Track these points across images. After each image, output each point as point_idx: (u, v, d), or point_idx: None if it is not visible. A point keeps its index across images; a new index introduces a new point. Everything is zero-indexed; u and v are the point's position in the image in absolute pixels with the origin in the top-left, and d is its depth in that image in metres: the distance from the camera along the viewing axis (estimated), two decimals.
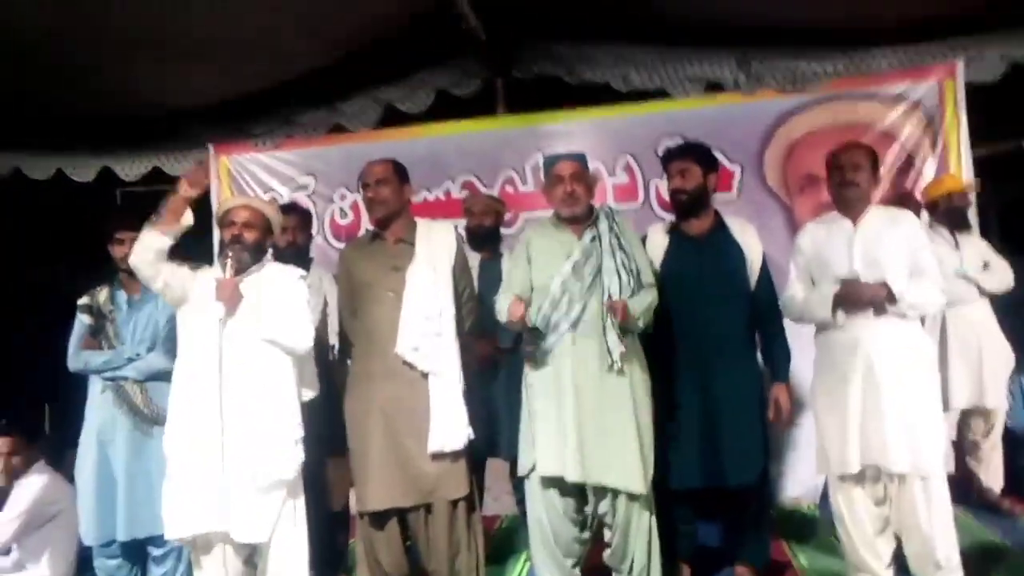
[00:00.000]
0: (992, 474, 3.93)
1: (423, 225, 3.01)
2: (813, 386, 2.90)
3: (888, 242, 2.74)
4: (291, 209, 3.49)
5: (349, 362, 3.03)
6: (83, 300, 3.20)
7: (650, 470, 2.75)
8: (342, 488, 3.17)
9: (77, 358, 3.15)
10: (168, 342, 3.01)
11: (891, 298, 2.66)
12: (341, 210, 4.77)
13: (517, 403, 2.94)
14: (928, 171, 4.18)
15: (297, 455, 2.66)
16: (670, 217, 3.32)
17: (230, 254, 2.65)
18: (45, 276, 5.67)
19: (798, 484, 4.16)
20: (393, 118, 4.86)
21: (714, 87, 4.52)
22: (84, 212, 4.57)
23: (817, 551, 3.47)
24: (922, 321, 2.86)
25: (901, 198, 3.97)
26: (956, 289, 3.58)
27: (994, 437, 3.93)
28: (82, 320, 3.18)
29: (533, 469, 2.81)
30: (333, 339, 3.26)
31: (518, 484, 3.17)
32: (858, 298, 2.70)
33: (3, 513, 3.43)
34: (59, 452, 3.73)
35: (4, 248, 5.47)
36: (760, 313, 2.99)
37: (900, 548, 2.78)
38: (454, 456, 2.78)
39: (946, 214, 3.89)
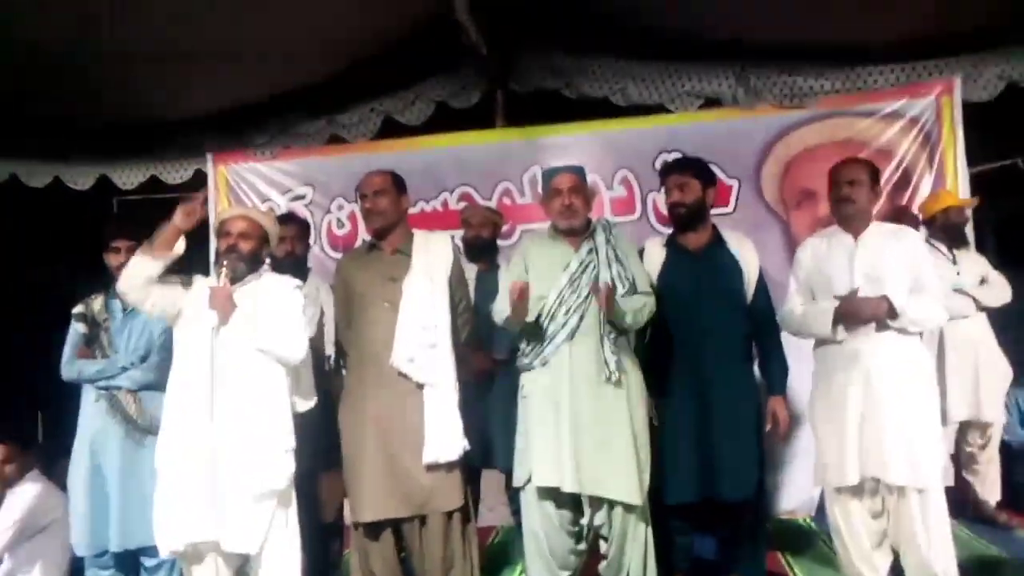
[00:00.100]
0: (988, 487, 3.94)
1: (420, 236, 3.01)
2: (812, 399, 2.91)
3: (889, 257, 2.75)
4: (289, 219, 3.49)
5: (344, 372, 3.02)
6: (78, 309, 3.19)
7: (646, 481, 2.74)
8: (334, 498, 3.16)
9: (71, 367, 3.14)
10: (162, 351, 3.01)
11: (892, 313, 2.67)
12: (338, 220, 4.77)
13: (513, 414, 2.94)
14: (925, 187, 4.21)
15: (288, 464, 2.65)
16: (667, 231, 3.33)
17: (225, 263, 2.65)
18: (40, 283, 5.65)
19: (794, 496, 4.16)
20: (391, 129, 4.88)
21: (712, 102, 4.54)
22: (81, 220, 4.56)
23: (813, 563, 3.47)
24: (920, 335, 2.86)
25: (898, 213, 3.99)
26: (953, 304, 3.59)
27: (991, 450, 3.94)
28: (76, 329, 3.17)
29: (529, 480, 2.80)
30: (329, 349, 3.25)
31: (514, 495, 3.15)
32: (859, 313, 2.70)
33: None
34: (52, 461, 3.70)
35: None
36: (757, 326, 2.99)
37: (897, 561, 2.78)
38: (449, 467, 2.77)
39: (943, 229, 3.92)
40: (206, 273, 2.85)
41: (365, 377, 2.85)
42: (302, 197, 4.80)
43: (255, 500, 2.57)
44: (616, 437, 2.71)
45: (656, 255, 3.05)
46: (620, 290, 2.78)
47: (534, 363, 2.82)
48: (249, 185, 4.87)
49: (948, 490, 2.78)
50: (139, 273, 2.63)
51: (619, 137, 4.54)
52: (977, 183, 4.25)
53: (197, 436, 2.55)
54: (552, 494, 2.77)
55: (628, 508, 2.73)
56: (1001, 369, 3.92)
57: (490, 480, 3.67)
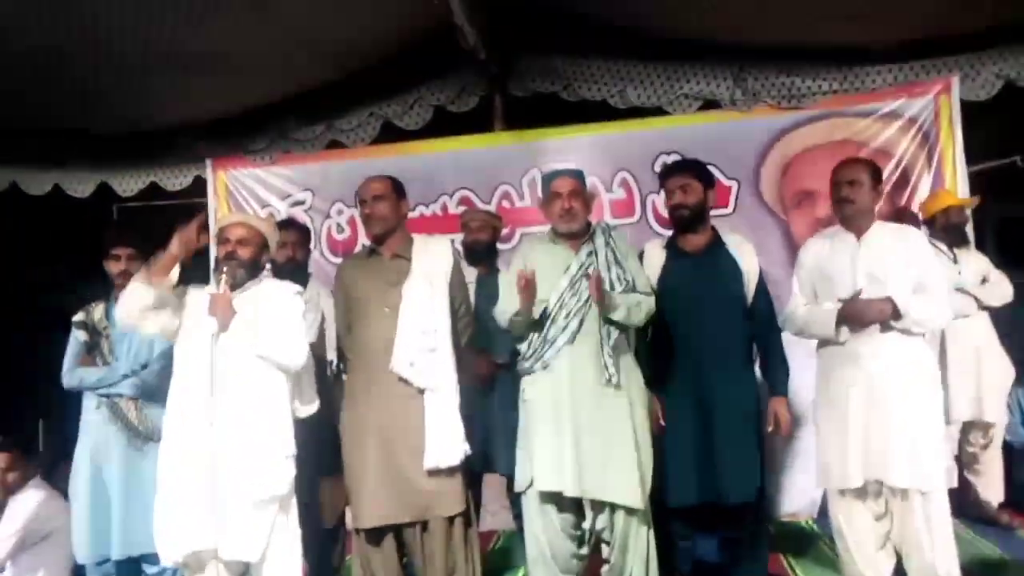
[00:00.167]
0: (991, 487, 3.94)
1: (420, 240, 3.01)
2: (815, 400, 2.90)
3: (893, 257, 2.74)
4: (290, 225, 3.49)
5: (345, 377, 3.02)
6: (78, 316, 3.19)
7: (648, 484, 2.74)
8: (335, 504, 3.16)
9: (72, 375, 3.14)
10: (163, 358, 3.01)
11: (896, 314, 2.65)
12: (338, 225, 4.77)
13: (514, 418, 2.94)
14: (924, 187, 4.21)
15: (289, 470, 2.65)
16: (667, 233, 3.33)
17: (224, 270, 2.65)
18: (41, 291, 5.66)
19: (796, 498, 4.16)
20: (390, 134, 4.88)
21: (711, 104, 4.54)
22: (81, 227, 4.57)
23: (815, 566, 3.47)
24: (923, 336, 2.86)
25: (898, 214, 3.99)
26: (955, 303, 3.59)
27: (992, 450, 3.94)
28: (77, 337, 3.17)
29: (531, 484, 2.80)
30: (331, 354, 3.25)
31: (515, 499, 3.15)
32: (863, 315, 2.69)
33: None
34: (53, 468, 3.70)
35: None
36: (758, 328, 2.99)
37: (900, 563, 2.77)
38: (450, 472, 2.77)
39: (944, 229, 3.92)
40: (207, 280, 2.84)
41: (366, 382, 2.85)
42: (302, 202, 4.81)
43: (256, 507, 2.56)
44: (617, 440, 2.71)
45: (656, 257, 3.05)
46: (618, 289, 2.78)
47: (535, 367, 2.82)
48: (249, 191, 4.88)
49: (950, 490, 2.78)
50: (136, 302, 2.62)
51: (618, 140, 4.54)
52: (976, 182, 4.25)
53: (198, 443, 2.55)
54: (554, 498, 2.76)
55: (630, 512, 2.72)
56: (1003, 369, 3.92)
57: (492, 484, 3.67)
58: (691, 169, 3.07)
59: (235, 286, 2.66)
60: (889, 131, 4.24)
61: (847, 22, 4.09)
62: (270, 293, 2.76)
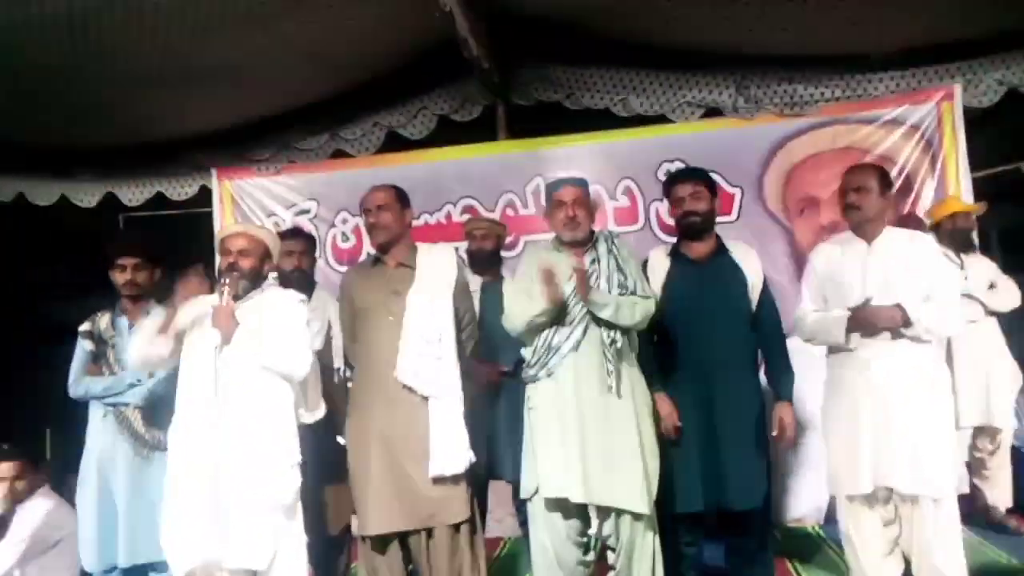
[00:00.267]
0: (999, 493, 3.93)
1: (424, 249, 3.02)
2: (825, 406, 2.89)
3: (903, 264, 2.73)
4: (295, 234, 3.51)
5: (350, 385, 3.03)
6: (84, 326, 3.20)
7: (654, 490, 2.74)
8: (341, 512, 3.16)
9: (78, 384, 3.15)
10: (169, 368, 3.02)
11: (906, 322, 2.64)
12: (343, 234, 4.79)
13: (519, 425, 2.94)
14: (927, 193, 4.22)
15: (295, 479, 2.66)
16: (670, 240, 3.34)
17: (227, 281, 2.66)
18: (47, 300, 5.68)
19: (802, 504, 4.16)
20: (395, 143, 4.90)
21: (713, 112, 4.56)
22: (86, 237, 4.59)
23: (821, 571, 3.47)
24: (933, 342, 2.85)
25: (903, 220, 3.99)
26: (962, 309, 3.60)
27: (1001, 455, 3.93)
28: (83, 346, 3.18)
29: (536, 491, 2.80)
30: (337, 362, 3.26)
31: (521, 506, 3.15)
32: (873, 322, 2.68)
33: (6, 538, 3.40)
34: (59, 478, 3.71)
35: (5, 272, 5.49)
36: (763, 334, 2.99)
37: (908, 570, 2.76)
38: (455, 480, 2.78)
39: (951, 235, 3.91)
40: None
41: (371, 390, 2.86)
42: (307, 211, 4.83)
43: (262, 515, 2.57)
44: (622, 446, 2.71)
45: (661, 265, 3.06)
46: (615, 294, 2.79)
47: (539, 374, 2.82)
48: (254, 200, 4.90)
49: (959, 496, 2.77)
50: (149, 356, 2.71)
51: (621, 148, 4.55)
52: (979, 188, 4.26)
53: (204, 453, 2.57)
54: (560, 505, 2.76)
55: (636, 517, 2.72)
56: (1012, 374, 3.92)
57: (498, 491, 3.67)
58: (701, 176, 3.08)
59: (237, 297, 2.67)
60: (892, 138, 4.25)
61: (849, 29, 4.11)
62: (274, 302, 2.77)
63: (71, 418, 3.31)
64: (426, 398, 2.79)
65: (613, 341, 2.77)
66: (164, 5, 3.60)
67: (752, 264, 3.02)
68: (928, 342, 2.72)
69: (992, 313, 3.88)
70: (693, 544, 3.00)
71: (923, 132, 4.22)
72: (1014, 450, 4.00)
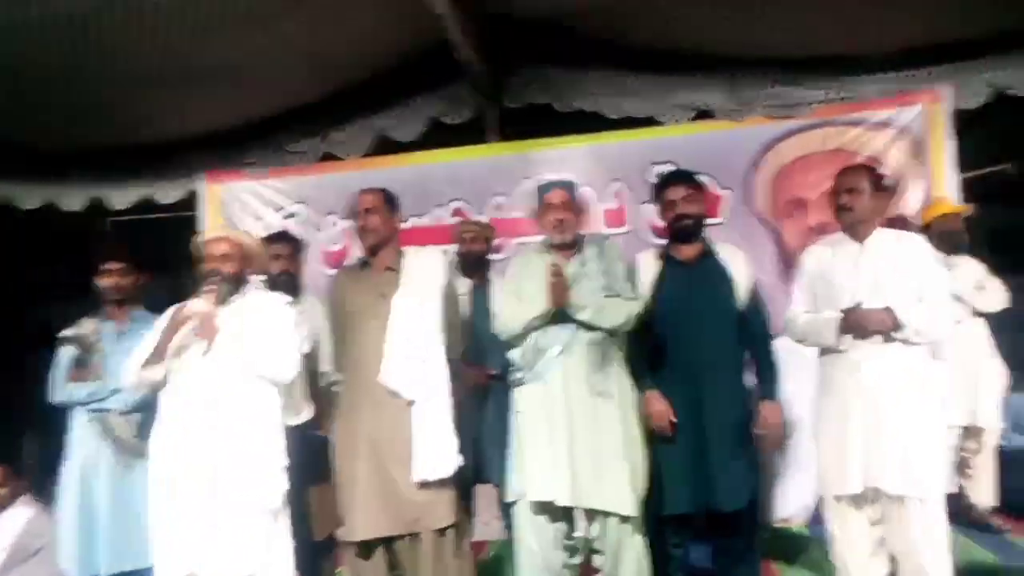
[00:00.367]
0: (983, 492, 3.95)
1: (412, 252, 3.01)
2: (815, 407, 2.89)
3: (895, 265, 2.73)
4: (283, 237, 3.49)
5: (336, 389, 3.01)
6: (67, 332, 3.17)
7: (640, 492, 2.74)
8: (328, 516, 3.14)
9: (62, 390, 3.12)
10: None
11: (897, 325, 2.64)
12: (331, 237, 4.77)
13: (506, 429, 2.93)
14: (916, 195, 4.22)
15: (282, 483, 2.64)
16: (659, 242, 3.34)
17: (209, 287, 2.63)
18: (29, 304, 5.64)
19: (789, 504, 4.17)
20: (385, 146, 4.89)
21: (704, 114, 4.56)
22: (72, 241, 4.56)
23: (808, 572, 3.49)
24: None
25: (894, 222, 3.99)
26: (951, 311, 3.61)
27: (985, 455, 3.95)
28: (66, 352, 3.15)
29: (522, 495, 2.79)
30: (325, 366, 3.24)
31: (507, 510, 3.14)
32: (864, 326, 2.68)
33: None
34: (40, 485, 3.68)
35: None
36: (751, 334, 2.99)
37: (894, 569, 2.76)
38: (441, 484, 2.76)
39: (940, 237, 3.92)
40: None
41: (357, 394, 2.84)
42: (295, 215, 4.80)
43: (249, 520, 2.56)
44: (609, 449, 2.71)
45: (651, 267, 3.06)
46: (600, 294, 2.78)
47: (527, 378, 2.82)
48: (242, 204, 4.88)
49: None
50: (143, 380, 2.66)
51: (611, 150, 4.56)
52: (968, 189, 4.27)
53: (191, 460, 2.55)
54: (546, 508, 2.76)
55: (623, 519, 2.72)
56: (998, 374, 3.94)
57: (484, 495, 3.66)
58: (692, 179, 3.08)
59: (220, 302, 2.65)
60: (881, 140, 4.26)
61: (839, 32, 4.12)
62: (258, 305, 2.75)
63: (52, 424, 3.27)
64: (412, 402, 2.77)
65: (601, 344, 2.76)
66: (150, 7, 3.59)
67: (740, 266, 3.01)
68: (919, 344, 2.72)
69: (980, 314, 3.89)
70: (680, 546, 2.99)
71: (911, 134, 4.23)
72: (998, 450, 4.01)
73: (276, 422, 2.69)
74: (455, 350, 2.99)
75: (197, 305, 2.63)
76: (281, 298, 2.81)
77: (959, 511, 3.83)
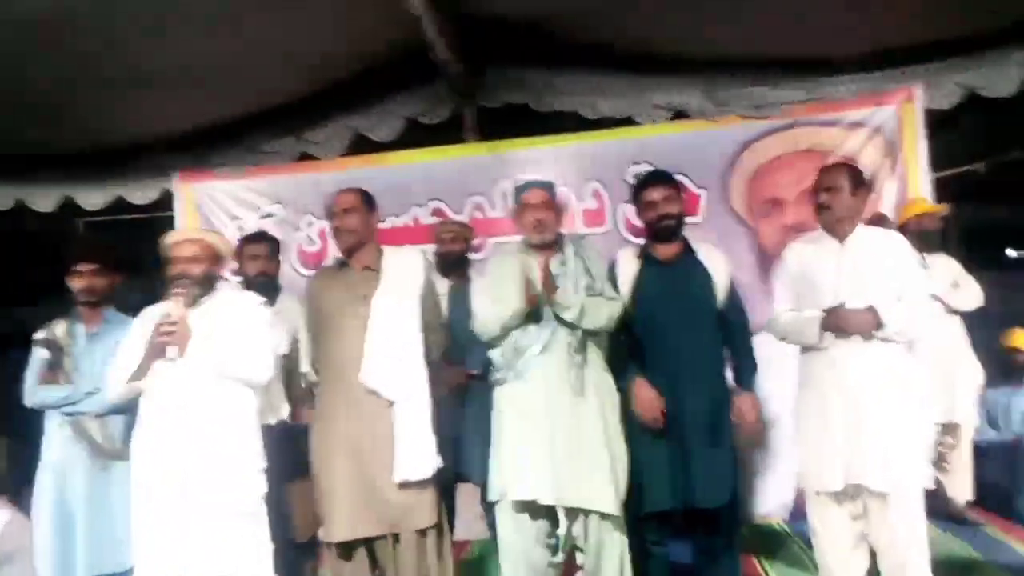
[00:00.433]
0: (959, 486, 4.01)
1: (390, 252, 2.99)
2: (797, 404, 2.91)
3: (876, 264, 2.74)
4: (260, 238, 3.46)
5: (315, 390, 2.99)
6: (40, 334, 3.11)
7: (622, 490, 2.74)
8: (309, 518, 3.11)
9: (34, 394, 3.07)
10: None
11: (879, 324, 2.66)
12: (309, 237, 4.75)
13: (487, 428, 2.92)
14: (889, 194, 4.28)
15: (260, 485, 2.63)
16: (637, 241, 3.35)
17: (178, 291, 2.59)
18: (1, 305, 5.54)
19: (769, 500, 4.21)
20: (362, 146, 4.86)
21: (680, 114, 4.58)
22: (44, 242, 4.49)
23: (787, 567, 3.52)
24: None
25: (873, 220, 4.04)
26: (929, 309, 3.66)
27: (962, 450, 4.01)
28: (39, 354, 3.10)
29: (504, 494, 2.79)
30: (305, 366, 3.22)
31: (489, 509, 3.14)
32: (846, 326, 2.69)
33: None
34: (14, 488, 3.62)
35: None
36: (729, 331, 3.01)
37: (873, 563, 2.79)
38: (421, 485, 2.74)
39: (916, 236, 3.96)
40: None
41: (336, 395, 2.82)
42: (271, 215, 4.76)
43: (227, 522, 2.54)
44: (590, 447, 2.71)
45: (630, 266, 3.06)
46: (583, 294, 2.79)
47: (507, 377, 2.82)
48: (217, 204, 4.83)
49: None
50: (130, 393, 2.63)
51: (589, 150, 4.57)
52: (940, 188, 4.33)
53: (167, 464, 2.52)
54: (527, 507, 2.75)
55: (604, 517, 2.72)
56: (973, 371, 3.99)
57: (465, 494, 3.65)
58: (670, 180, 3.10)
59: (190, 304, 2.61)
60: (854, 140, 4.30)
61: (813, 33, 4.16)
62: (230, 303, 2.73)
63: (25, 427, 3.22)
64: (392, 403, 2.76)
65: (581, 343, 2.77)
66: (121, 7, 3.54)
67: (718, 264, 3.03)
68: (898, 342, 2.74)
69: (954, 312, 3.94)
70: (660, 543, 3.01)
71: (884, 134, 4.28)
72: (974, 445, 4.08)
73: (252, 424, 2.67)
74: (435, 350, 2.98)
75: (168, 309, 2.58)
76: (254, 298, 2.78)
77: (936, 506, 3.91)
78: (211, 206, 4.82)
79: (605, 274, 2.94)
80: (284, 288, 3.50)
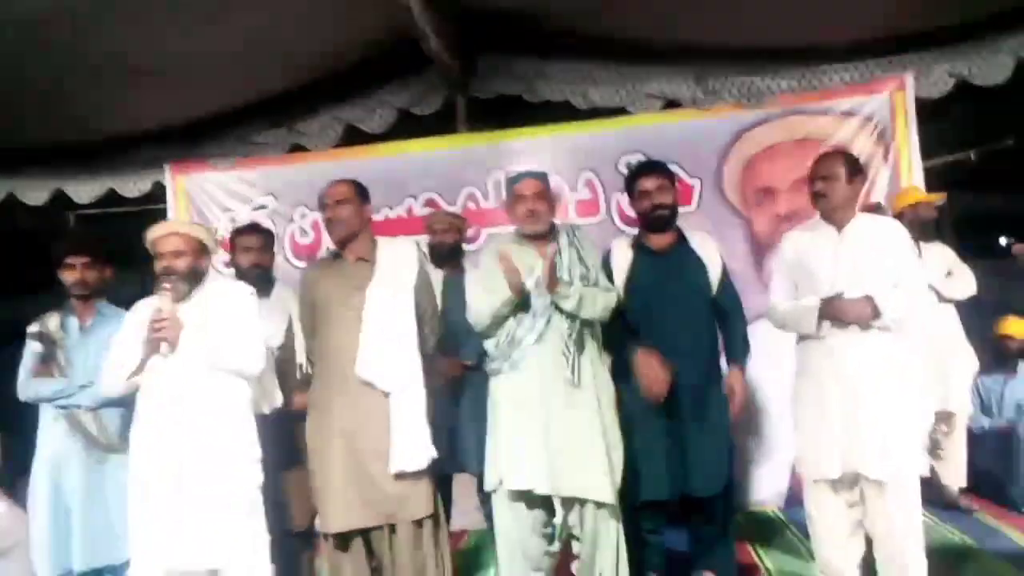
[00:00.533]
0: (953, 473, 4.03)
1: (384, 243, 2.99)
2: (794, 393, 2.91)
3: (873, 252, 2.74)
4: (254, 229, 3.45)
5: (311, 382, 2.99)
6: (33, 327, 3.10)
7: (618, 479, 2.75)
8: (305, 507, 3.12)
9: (28, 387, 3.06)
10: None
11: (876, 314, 2.66)
12: (302, 229, 4.73)
13: (483, 418, 2.93)
14: (881, 182, 4.28)
15: (256, 475, 2.63)
16: (631, 231, 3.35)
17: (166, 286, 2.58)
18: None
19: (764, 488, 4.23)
20: (354, 137, 4.85)
21: (672, 104, 4.58)
22: (36, 235, 4.47)
23: (782, 554, 3.53)
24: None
25: (869, 209, 4.05)
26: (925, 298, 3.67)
27: (956, 438, 4.02)
28: (32, 348, 3.09)
29: (500, 484, 2.80)
30: (300, 357, 3.22)
31: (485, 499, 3.15)
32: (843, 316, 2.69)
33: None
34: (9, 481, 3.61)
35: None
36: (723, 317, 3.04)
37: (868, 549, 2.81)
38: (417, 476, 2.75)
39: (911, 224, 3.97)
40: None
41: (331, 387, 2.82)
42: (264, 207, 4.74)
43: (223, 514, 2.54)
44: (586, 436, 2.72)
45: (624, 256, 3.07)
46: (579, 283, 2.79)
47: (503, 367, 2.82)
48: (209, 196, 4.80)
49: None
50: (128, 390, 2.62)
51: (582, 140, 4.56)
52: (932, 177, 4.34)
53: (163, 456, 2.52)
54: (524, 496, 2.77)
55: (600, 506, 2.74)
56: (968, 359, 4.01)
57: (462, 484, 3.66)
58: (664, 169, 3.11)
59: (179, 299, 2.60)
60: (846, 128, 4.31)
61: (805, 22, 4.16)
62: (220, 293, 2.72)
63: (20, 420, 3.21)
64: (387, 394, 2.76)
65: (576, 333, 2.77)
66: None
67: (712, 253, 3.05)
68: (895, 331, 2.74)
69: (948, 300, 3.96)
70: (656, 531, 3.03)
71: (876, 122, 4.29)
72: (968, 432, 4.10)
73: (246, 414, 2.67)
74: (430, 341, 2.99)
75: (157, 305, 2.57)
76: (244, 288, 2.77)
77: (930, 493, 3.93)
78: (203, 198, 4.80)
79: (598, 262, 2.94)
80: (278, 280, 3.49)
